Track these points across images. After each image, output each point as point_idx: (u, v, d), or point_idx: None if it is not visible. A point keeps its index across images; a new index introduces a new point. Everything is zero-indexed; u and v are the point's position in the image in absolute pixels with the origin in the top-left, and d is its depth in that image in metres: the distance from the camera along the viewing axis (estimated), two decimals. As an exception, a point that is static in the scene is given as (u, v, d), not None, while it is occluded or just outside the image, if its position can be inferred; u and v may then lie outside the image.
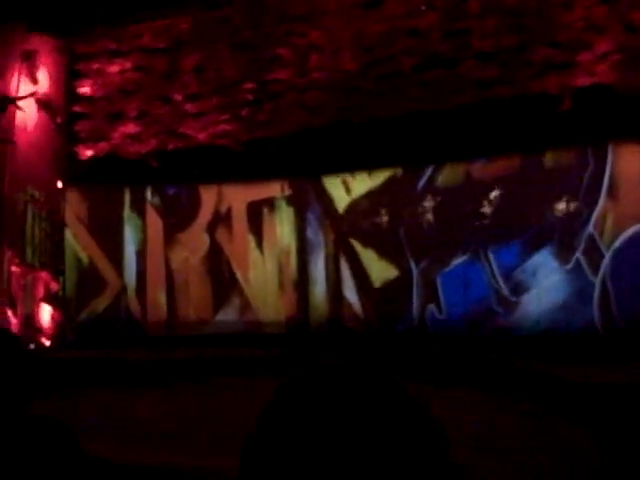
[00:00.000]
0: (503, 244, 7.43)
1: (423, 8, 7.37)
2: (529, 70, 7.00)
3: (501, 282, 7.44)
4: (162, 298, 9.29)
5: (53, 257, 9.60)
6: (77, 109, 9.62)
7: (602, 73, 6.67)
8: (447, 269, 7.73)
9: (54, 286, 9.55)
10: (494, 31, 7.03)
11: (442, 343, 7.48)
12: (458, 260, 7.67)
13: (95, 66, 9.44)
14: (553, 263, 7.20)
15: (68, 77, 9.64)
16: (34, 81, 9.44)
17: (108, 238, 9.56)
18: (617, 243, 6.87)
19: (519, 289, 7.38)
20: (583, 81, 6.77)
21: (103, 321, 9.45)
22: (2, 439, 1.56)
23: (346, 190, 8.32)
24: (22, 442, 1.58)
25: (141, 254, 9.42)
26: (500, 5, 6.95)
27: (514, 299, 7.39)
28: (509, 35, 6.99)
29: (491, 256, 7.49)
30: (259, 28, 8.25)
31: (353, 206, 8.30)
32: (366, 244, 8.20)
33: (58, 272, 9.63)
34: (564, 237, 7.14)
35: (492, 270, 7.49)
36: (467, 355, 6.89)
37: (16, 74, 9.41)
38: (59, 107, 9.57)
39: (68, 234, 9.69)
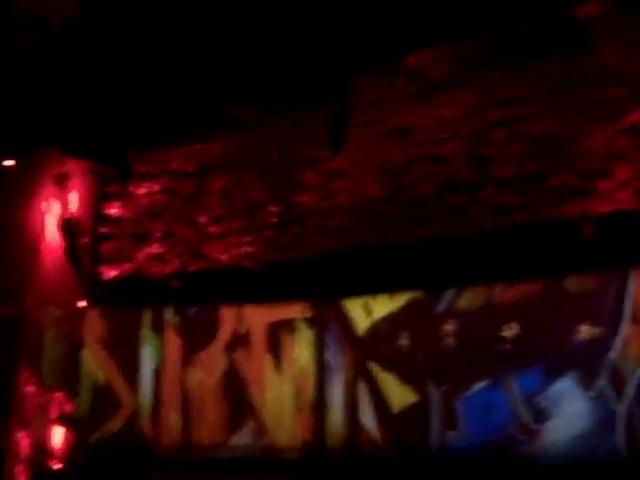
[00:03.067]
0: (525, 370, 7.31)
1: (444, 136, 7.61)
2: (550, 197, 7.12)
3: (523, 409, 7.28)
4: (176, 420, 9.13)
5: (69, 377, 9.57)
6: (104, 230, 9.82)
7: (622, 200, 6.78)
8: (467, 395, 7.59)
9: (68, 407, 9.47)
10: (515, 158, 7.22)
11: (463, 471, 7.26)
12: (479, 385, 7.54)
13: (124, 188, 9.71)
14: (576, 390, 7.06)
15: (97, 199, 9.90)
16: (64, 203, 9.71)
17: (125, 358, 9.52)
18: (641, 370, 6.77)
19: (542, 416, 7.20)
20: (604, 208, 6.86)
21: (115, 443, 9.28)
22: None
23: (366, 312, 8.29)
24: None
25: (157, 374, 9.34)
26: (523, 133, 7.17)
27: (536, 427, 7.21)
28: (530, 162, 7.17)
29: (512, 382, 7.36)
30: (286, 153, 8.54)
31: (373, 329, 8.24)
32: (385, 368, 8.09)
33: (73, 393, 9.56)
34: (587, 363, 7.02)
35: (514, 396, 7.34)
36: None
37: (48, 196, 9.70)
38: (87, 228, 9.78)
39: (86, 354, 9.68)
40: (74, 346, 9.61)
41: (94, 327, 9.70)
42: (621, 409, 6.79)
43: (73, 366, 9.56)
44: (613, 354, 6.91)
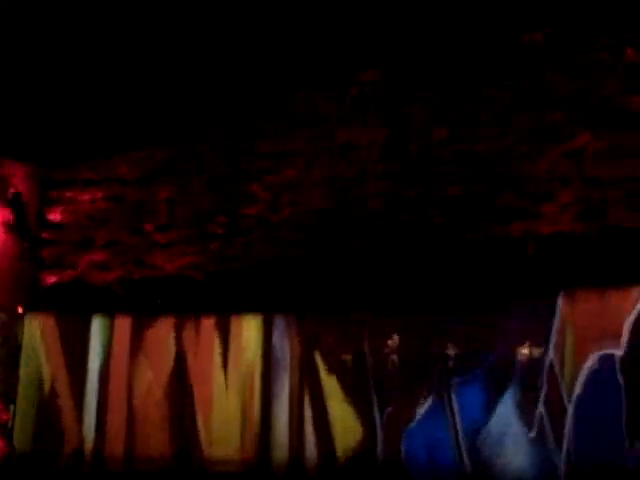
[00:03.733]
0: (466, 385, 7.41)
1: (394, 153, 7.68)
2: (495, 217, 7.24)
3: (463, 428, 7.40)
4: (120, 430, 8.98)
5: (5, 384, 9.36)
6: (45, 235, 9.65)
7: (564, 222, 6.93)
8: (411, 415, 7.63)
9: (3, 415, 9.26)
10: (463, 178, 7.32)
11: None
12: (422, 404, 7.58)
13: (68, 194, 9.55)
14: (516, 410, 7.18)
15: (39, 203, 9.71)
16: (4, 205, 9.51)
17: (67, 365, 9.33)
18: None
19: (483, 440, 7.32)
20: (546, 229, 7.00)
21: (54, 453, 9.12)
22: None
23: (314, 327, 8.29)
24: None
25: (101, 383, 9.16)
26: (471, 153, 7.28)
27: (479, 445, 7.31)
28: (478, 182, 7.28)
29: (455, 401, 7.45)
30: (234, 164, 8.51)
31: (320, 344, 8.21)
32: (331, 384, 8.09)
33: (9, 400, 9.36)
34: (526, 381, 7.14)
35: (455, 416, 7.44)
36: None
37: (-15, 198, 9.46)
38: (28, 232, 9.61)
39: (24, 360, 9.48)
40: (12, 352, 9.42)
41: (34, 333, 9.51)
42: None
43: (9, 373, 9.37)
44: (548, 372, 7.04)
